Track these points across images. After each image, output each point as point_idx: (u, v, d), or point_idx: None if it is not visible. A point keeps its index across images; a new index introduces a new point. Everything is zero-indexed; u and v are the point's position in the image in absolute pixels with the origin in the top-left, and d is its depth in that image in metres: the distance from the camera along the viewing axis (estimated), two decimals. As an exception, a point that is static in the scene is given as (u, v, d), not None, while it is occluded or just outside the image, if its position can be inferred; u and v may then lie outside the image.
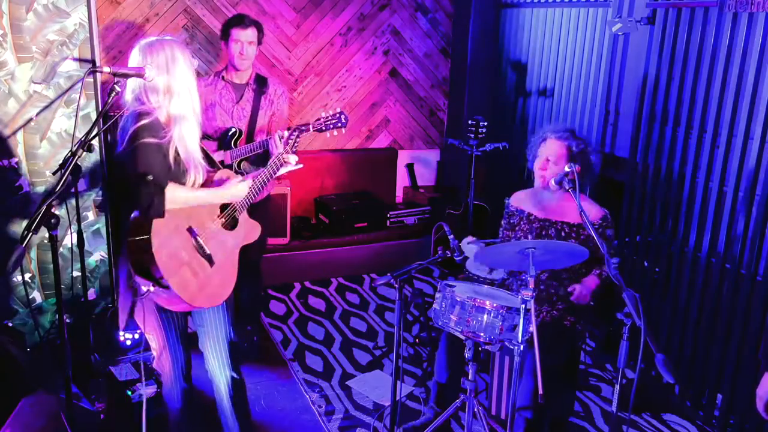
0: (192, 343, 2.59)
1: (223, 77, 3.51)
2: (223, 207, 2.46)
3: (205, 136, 3.40)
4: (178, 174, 2.31)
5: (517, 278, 3.07)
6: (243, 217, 2.53)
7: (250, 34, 3.41)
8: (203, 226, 2.39)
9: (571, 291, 2.81)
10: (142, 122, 2.23)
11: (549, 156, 2.90)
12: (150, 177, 2.19)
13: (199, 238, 2.35)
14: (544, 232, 2.98)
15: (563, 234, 2.94)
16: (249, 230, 2.57)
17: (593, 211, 2.91)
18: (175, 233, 2.30)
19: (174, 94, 2.29)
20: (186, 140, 2.31)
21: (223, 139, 3.42)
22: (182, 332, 2.53)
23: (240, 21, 3.42)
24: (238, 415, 2.63)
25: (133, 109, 2.30)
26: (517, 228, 3.05)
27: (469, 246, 3.08)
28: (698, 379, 3.37)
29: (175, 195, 2.25)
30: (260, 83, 3.52)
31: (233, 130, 3.42)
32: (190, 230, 2.34)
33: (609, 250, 2.86)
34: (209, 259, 2.38)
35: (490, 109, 4.99)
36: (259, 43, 3.50)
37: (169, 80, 2.28)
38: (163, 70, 2.26)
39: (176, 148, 2.29)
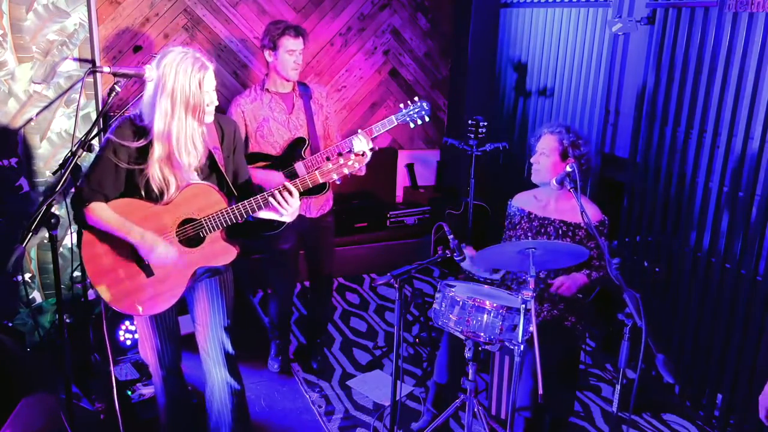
0: (190, 345, 2.59)
1: (267, 89, 3.28)
2: (185, 221, 2.32)
3: (263, 157, 3.24)
4: (148, 190, 2.29)
5: (515, 277, 3.08)
6: (212, 238, 2.35)
7: (301, 42, 3.20)
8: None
9: (557, 284, 2.80)
10: (113, 135, 2.24)
11: (542, 150, 2.98)
12: (78, 187, 2.23)
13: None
14: (543, 230, 3.00)
15: (560, 232, 2.96)
16: (216, 252, 2.37)
17: (592, 213, 2.93)
18: (111, 235, 2.29)
19: (160, 111, 2.21)
20: (158, 166, 2.25)
21: (292, 153, 3.23)
22: (168, 323, 2.52)
23: (290, 30, 3.18)
24: (236, 422, 2.62)
25: (125, 114, 2.31)
26: (518, 227, 3.07)
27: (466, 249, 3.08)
28: (698, 379, 3.37)
29: (95, 213, 2.24)
30: (304, 88, 3.35)
31: (301, 139, 3.24)
32: None
33: (597, 258, 2.88)
34: (146, 270, 2.33)
35: (490, 109, 4.99)
36: (304, 47, 3.27)
37: (160, 95, 2.20)
38: (158, 84, 2.19)
39: (154, 170, 2.26)
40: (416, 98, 3.08)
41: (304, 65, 4.91)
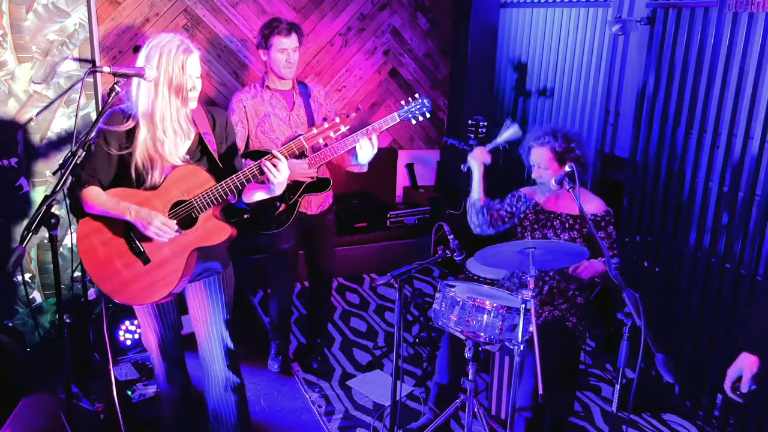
0: (191, 346, 2.59)
1: (268, 86, 3.29)
2: (176, 204, 2.33)
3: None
4: (138, 175, 2.31)
5: (517, 277, 3.08)
6: (204, 217, 2.35)
7: (293, 39, 3.19)
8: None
9: (576, 266, 2.77)
10: (105, 124, 2.26)
11: (538, 163, 2.98)
12: (74, 175, 2.21)
13: (133, 234, 2.32)
14: (549, 224, 3.02)
15: (567, 226, 2.98)
16: (210, 231, 2.36)
17: (596, 205, 2.96)
18: (105, 226, 2.30)
19: (143, 91, 2.26)
20: (145, 146, 2.28)
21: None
22: (170, 316, 2.52)
23: (281, 28, 3.18)
24: (235, 418, 2.61)
25: (115, 106, 2.32)
26: (524, 219, 3.07)
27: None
28: (698, 379, 3.37)
29: (90, 195, 2.26)
30: (303, 87, 3.37)
31: (301, 135, 3.27)
32: (125, 224, 2.30)
33: (609, 248, 2.88)
34: (142, 257, 2.33)
35: (490, 109, 4.99)
36: (300, 44, 3.26)
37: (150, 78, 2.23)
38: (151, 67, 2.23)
39: (140, 151, 2.28)
40: (417, 95, 3.10)
41: (304, 65, 4.94)
